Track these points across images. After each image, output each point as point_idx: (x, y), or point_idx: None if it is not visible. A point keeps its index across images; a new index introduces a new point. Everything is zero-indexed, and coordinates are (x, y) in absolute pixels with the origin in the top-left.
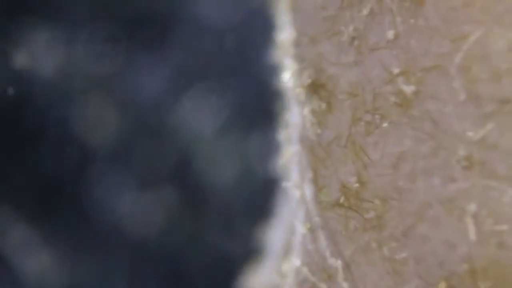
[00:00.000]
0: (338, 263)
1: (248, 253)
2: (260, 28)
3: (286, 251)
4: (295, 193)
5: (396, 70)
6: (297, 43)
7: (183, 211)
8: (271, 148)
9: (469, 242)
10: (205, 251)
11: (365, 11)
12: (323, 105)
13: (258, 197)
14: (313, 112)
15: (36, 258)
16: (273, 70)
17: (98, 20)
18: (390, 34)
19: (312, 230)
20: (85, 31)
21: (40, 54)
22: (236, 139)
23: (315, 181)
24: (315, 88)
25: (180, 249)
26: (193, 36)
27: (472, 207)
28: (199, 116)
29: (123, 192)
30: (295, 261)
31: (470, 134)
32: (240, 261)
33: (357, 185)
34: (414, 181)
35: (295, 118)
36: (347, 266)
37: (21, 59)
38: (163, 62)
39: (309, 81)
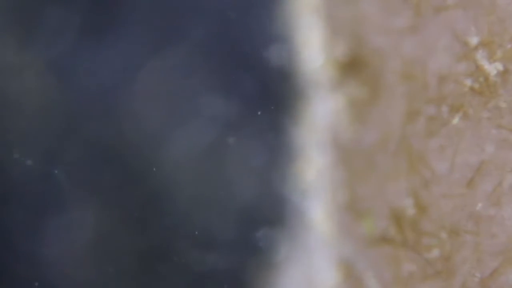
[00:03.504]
0: None
1: None
2: None
3: None
4: (321, 223)
5: (474, 40)
6: None
7: (145, 259)
8: (284, 157)
9: None
10: None
11: None
12: (365, 92)
13: (264, 231)
14: (350, 102)
15: None
16: (289, 41)
17: None
18: None
19: (347, 277)
20: None
21: None
22: (232, 145)
23: (351, 205)
24: (353, 67)
25: None
26: None
27: None
28: (172, 113)
29: (59, 229)
30: None
31: None
32: None
33: (414, 210)
34: (499, 206)
35: (323, 112)
36: None
37: None
38: (125, 32)
39: (344, 56)
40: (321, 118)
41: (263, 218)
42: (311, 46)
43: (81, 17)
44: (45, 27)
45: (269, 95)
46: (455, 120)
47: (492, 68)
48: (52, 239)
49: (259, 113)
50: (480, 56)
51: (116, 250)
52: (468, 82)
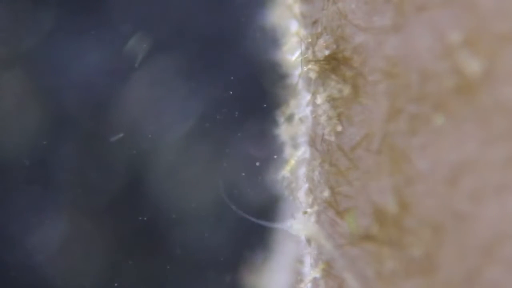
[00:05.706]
0: None
1: None
2: None
3: None
4: (303, 221)
5: (457, 39)
6: None
7: (134, 255)
8: (267, 154)
9: None
10: None
11: None
12: (347, 90)
13: (247, 228)
14: (331, 100)
15: None
16: (271, 39)
17: None
18: None
19: (328, 274)
20: None
21: None
22: (215, 143)
23: (333, 203)
24: (334, 65)
25: None
26: None
27: None
28: (160, 110)
29: (45, 226)
30: None
31: None
32: None
33: (397, 208)
34: (481, 203)
35: (304, 109)
36: None
37: None
38: (106, 27)
39: (325, 54)
40: (302, 114)
41: (247, 213)
42: (292, 44)
43: (73, 12)
44: (29, 20)
45: (250, 90)
46: (438, 119)
47: (475, 66)
48: (46, 235)
49: (236, 113)
50: (463, 55)
51: (107, 243)
52: (451, 81)
